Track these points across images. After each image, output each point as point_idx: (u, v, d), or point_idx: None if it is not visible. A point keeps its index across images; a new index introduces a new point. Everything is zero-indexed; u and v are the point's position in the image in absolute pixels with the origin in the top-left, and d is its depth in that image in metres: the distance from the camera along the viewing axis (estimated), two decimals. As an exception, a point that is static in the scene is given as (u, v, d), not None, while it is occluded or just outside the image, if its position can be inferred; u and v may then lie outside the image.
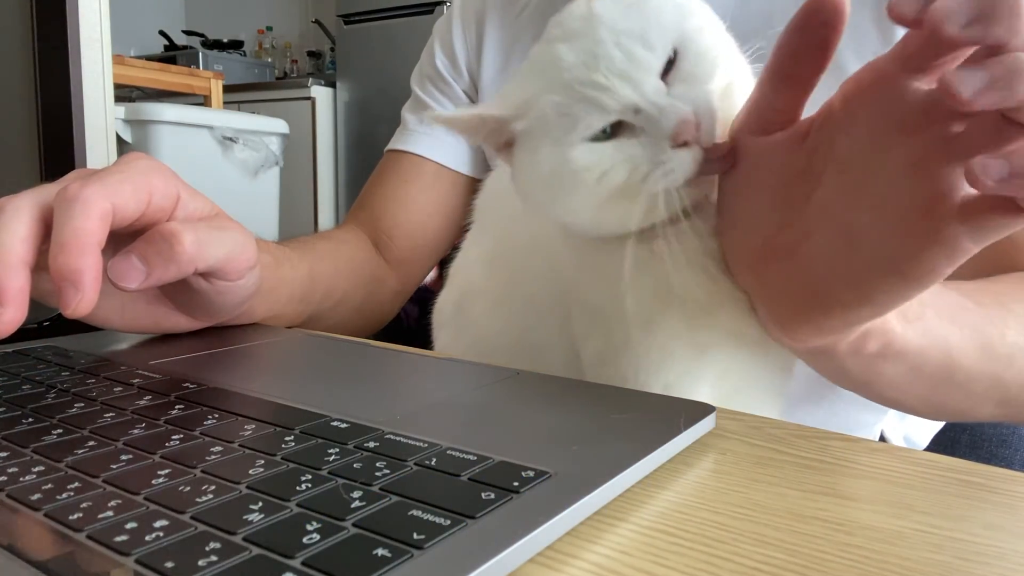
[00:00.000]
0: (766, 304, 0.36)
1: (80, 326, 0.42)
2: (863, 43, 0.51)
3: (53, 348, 0.42)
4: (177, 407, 0.31)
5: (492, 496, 0.22)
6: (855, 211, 0.30)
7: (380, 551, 0.19)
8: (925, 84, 0.28)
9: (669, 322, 0.38)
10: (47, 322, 0.48)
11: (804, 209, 0.32)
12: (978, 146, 0.26)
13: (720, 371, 0.40)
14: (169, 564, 0.18)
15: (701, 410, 0.30)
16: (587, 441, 0.27)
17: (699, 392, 0.39)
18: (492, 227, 0.54)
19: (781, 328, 0.35)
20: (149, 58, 3.30)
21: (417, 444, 0.26)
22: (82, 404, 0.31)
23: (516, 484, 0.23)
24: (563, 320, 0.44)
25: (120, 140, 2.12)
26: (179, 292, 0.43)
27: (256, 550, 0.19)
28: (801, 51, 0.29)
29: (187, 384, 0.34)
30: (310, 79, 3.37)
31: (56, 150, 0.76)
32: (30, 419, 0.30)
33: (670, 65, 0.33)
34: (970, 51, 0.27)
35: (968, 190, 0.27)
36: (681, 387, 0.38)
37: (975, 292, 0.38)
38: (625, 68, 0.32)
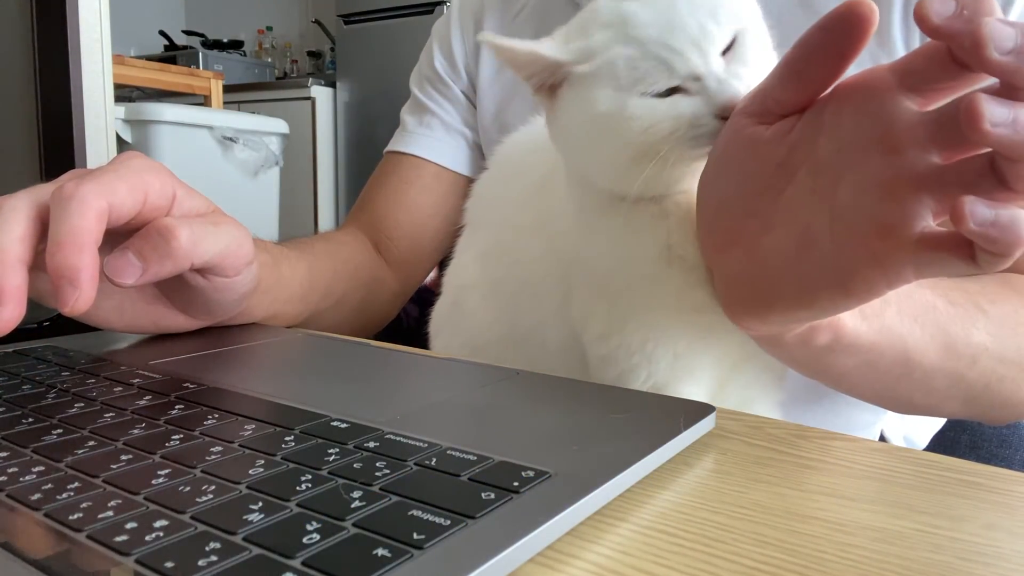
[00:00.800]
0: (721, 286, 0.37)
1: (80, 326, 0.42)
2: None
3: (53, 348, 0.42)
4: (177, 407, 0.31)
5: (492, 496, 0.22)
6: (817, 216, 0.30)
7: (380, 551, 0.19)
8: (916, 105, 0.28)
9: (671, 280, 0.39)
10: (47, 322, 0.48)
11: (774, 202, 0.32)
12: (953, 185, 0.26)
13: (725, 345, 0.41)
14: (169, 564, 0.18)
15: (701, 410, 0.30)
16: (587, 441, 0.27)
17: (706, 361, 0.41)
18: (487, 222, 0.54)
19: (730, 312, 0.36)
20: (149, 58, 3.30)
21: (417, 444, 0.26)
22: (82, 404, 0.31)
23: (516, 484, 0.23)
24: (561, 302, 0.45)
25: (120, 140, 2.12)
26: (177, 291, 0.43)
27: (256, 550, 0.19)
28: (818, 51, 0.29)
29: (187, 384, 0.34)
30: (310, 79, 3.37)
31: (56, 150, 0.76)
32: (30, 419, 0.30)
33: (727, 46, 0.36)
34: (968, 84, 0.26)
35: (929, 223, 0.27)
36: (690, 357, 0.40)
37: (951, 291, 0.39)
38: (698, 38, 0.35)
